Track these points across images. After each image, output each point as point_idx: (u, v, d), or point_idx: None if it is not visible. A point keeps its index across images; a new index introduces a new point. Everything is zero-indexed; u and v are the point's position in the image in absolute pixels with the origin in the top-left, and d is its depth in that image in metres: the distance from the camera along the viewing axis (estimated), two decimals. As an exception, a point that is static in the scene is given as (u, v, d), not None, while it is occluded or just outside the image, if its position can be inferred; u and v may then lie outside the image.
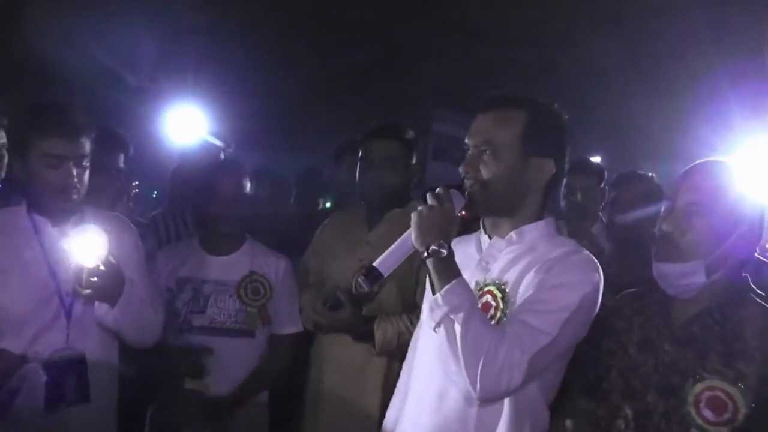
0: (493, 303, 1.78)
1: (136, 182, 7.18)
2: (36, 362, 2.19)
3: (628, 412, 1.79)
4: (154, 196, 8.73)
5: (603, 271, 1.79)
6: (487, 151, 1.81)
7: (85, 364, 2.27)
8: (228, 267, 2.84)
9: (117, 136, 3.03)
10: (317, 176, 4.53)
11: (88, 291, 2.15)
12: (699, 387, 1.66)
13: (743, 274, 1.80)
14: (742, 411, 1.62)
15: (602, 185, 3.54)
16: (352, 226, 2.88)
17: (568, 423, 2.03)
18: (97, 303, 2.24)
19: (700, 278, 1.72)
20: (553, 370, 1.80)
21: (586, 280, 1.74)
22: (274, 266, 2.88)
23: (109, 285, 2.19)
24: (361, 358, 2.69)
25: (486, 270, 1.86)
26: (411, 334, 2.34)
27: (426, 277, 1.82)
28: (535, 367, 1.65)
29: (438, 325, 1.68)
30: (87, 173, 2.29)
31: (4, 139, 2.71)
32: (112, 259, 2.17)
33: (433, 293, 1.71)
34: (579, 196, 3.51)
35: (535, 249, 1.82)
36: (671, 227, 1.74)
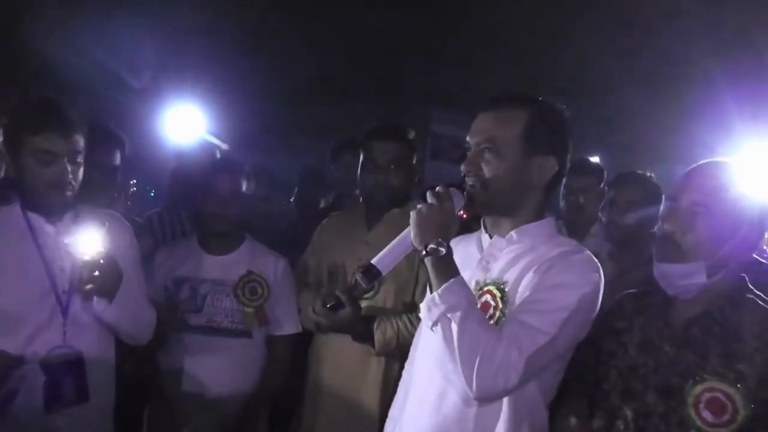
0: (493, 303, 1.78)
1: (134, 181, 7.18)
2: (34, 362, 2.18)
3: (628, 412, 1.79)
4: (152, 195, 8.71)
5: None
6: (489, 150, 1.80)
7: (83, 363, 2.26)
8: (226, 266, 2.83)
9: (113, 133, 3.02)
10: (319, 176, 4.52)
11: (89, 286, 2.15)
12: (699, 388, 1.66)
13: (741, 275, 1.80)
14: (742, 413, 1.61)
15: (602, 185, 3.53)
16: (351, 226, 2.88)
17: (573, 421, 2.01)
18: (95, 298, 2.23)
19: (701, 279, 1.71)
20: (552, 370, 1.80)
21: (585, 280, 1.74)
22: (272, 266, 2.87)
23: (108, 279, 2.19)
24: (359, 358, 2.68)
25: (486, 269, 1.85)
26: (410, 334, 2.34)
27: (426, 277, 1.81)
28: (532, 367, 1.64)
29: (435, 323, 1.68)
30: (81, 170, 2.29)
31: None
32: (110, 254, 2.17)
33: (431, 292, 1.71)
34: (578, 197, 3.51)
35: (535, 248, 1.82)
36: (673, 227, 1.74)
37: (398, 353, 2.52)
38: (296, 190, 4.61)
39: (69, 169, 2.22)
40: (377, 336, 2.58)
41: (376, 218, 2.79)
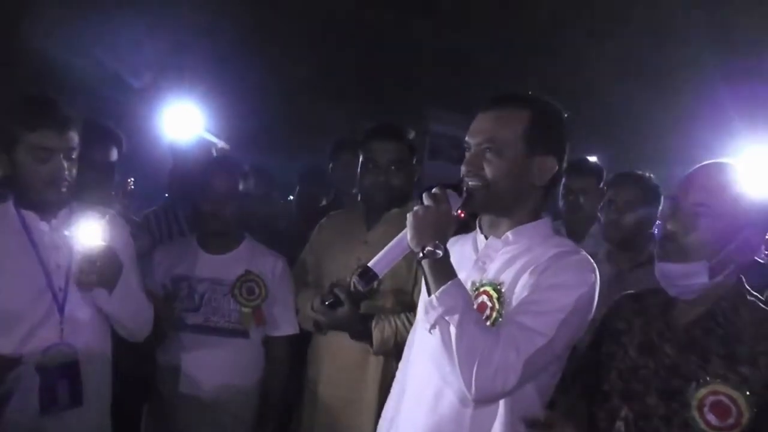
0: (489, 303, 1.77)
1: (132, 179, 7.16)
2: (31, 363, 2.17)
3: (628, 414, 1.78)
4: (149, 193, 8.70)
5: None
6: (491, 150, 1.80)
7: (77, 367, 2.26)
8: (224, 266, 2.82)
9: (109, 130, 3.02)
10: (320, 175, 4.50)
11: (90, 277, 2.15)
12: (703, 391, 1.65)
13: (740, 276, 1.79)
14: (746, 416, 1.60)
15: (601, 185, 3.51)
16: (350, 226, 2.86)
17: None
18: (95, 290, 2.23)
19: (703, 279, 1.71)
20: (549, 370, 1.79)
21: (582, 280, 1.73)
22: (271, 266, 2.86)
23: (108, 269, 2.19)
24: (358, 357, 2.68)
25: (482, 270, 1.85)
26: (408, 333, 2.32)
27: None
28: (531, 368, 1.64)
29: (433, 326, 1.67)
30: (75, 167, 2.28)
31: None
32: (110, 245, 2.18)
33: (429, 294, 1.70)
34: (577, 197, 3.49)
35: (531, 249, 1.81)
36: (676, 227, 1.73)
37: (396, 352, 2.51)
38: (297, 188, 4.59)
39: (65, 165, 2.22)
40: (375, 335, 2.57)
41: (375, 218, 2.79)
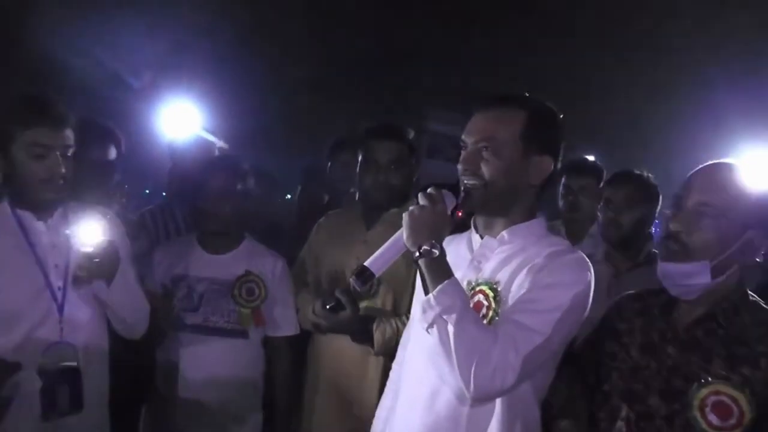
0: (485, 302, 1.79)
1: (126, 186, 7.12)
2: (30, 368, 2.16)
3: (629, 414, 1.79)
4: (147, 192, 8.66)
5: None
6: (488, 149, 1.81)
7: (78, 373, 2.25)
8: (224, 266, 2.81)
9: (107, 128, 3.00)
10: (323, 173, 4.48)
11: (91, 268, 2.17)
12: (704, 391, 1.65)
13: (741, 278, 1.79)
14: (748, 416, 1.61)
15: (601, 185, 3.50)
16: (349, 226, 2.86)
17: (564, 424, 2.01)
18: (95, 282, 2.25)
19: (705, 279, 1.71)
20: (545, 368, 1.80)
21: (578, 279, 1.75)
22: (270, 267, 2.85)
23: (107, 261, 2.20)
24: (358, 358, 2.68)
25: (478, 269, 1.86)
26: None
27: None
28: (529, 366, 1.65)
29: (431, 325, 1.68)
30: (71, 165, 2.27)
31: None
32: (108, 237, 2.19)
33: (426, 293, 1.71)
34: (577, 196, 3.48)
35: (527, 248, 1.83)
36: (680, 226, 1.73)
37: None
38: (299, 187, 4.58)
39: (61, 162, 2.21)
40: (377, 336, 2.57)
41: (374, 218, 2.78)
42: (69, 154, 2.25)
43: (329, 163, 4.03)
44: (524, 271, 1.76)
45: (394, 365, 2.14)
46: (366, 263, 1.76)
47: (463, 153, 1.87)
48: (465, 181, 1.83)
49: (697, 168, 1.79)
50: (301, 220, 3.14)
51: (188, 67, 6.77)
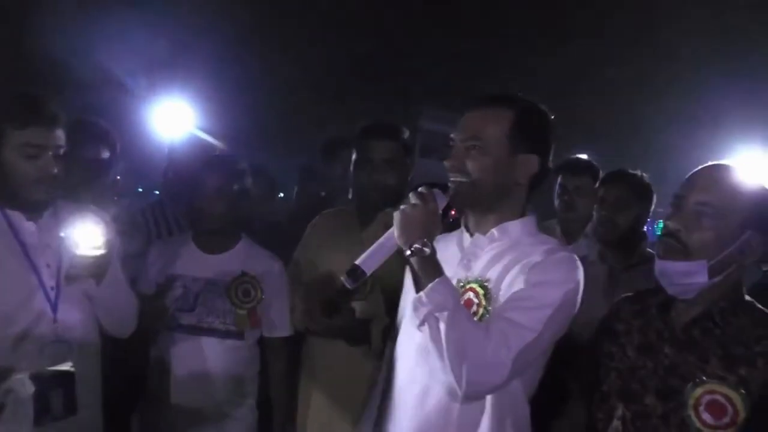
0: (476, 300, 1.80)
1: (119, 177, 7.10)
2: (24, 373, 2.14)
3: (626, 413, 1.79)
4: (140, 190, 8.64)
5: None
6: (475, 147, 1.84)
7: (72, 376, 2.24)
8: (220, 266, 2.79)
9: (101, 128, 2.99)
10: (320, 172, 4.46)
11: (84, 268, 2.16)
12: (699, 391, 1.67)
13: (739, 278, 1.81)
14: (742, 415, 1.62)
15: (597, 185, 3.49)
16: (344, 225, 2.85)
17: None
18: (86, 281, 2.24)
19: (702, 278, 1.72)
20: (534, 365, 1.82)
21: (568, 277, 1.77)
22: (267, 268, 2.83)
23: (100, 262, 2.19)
24: (353, 358, 2.66)
25: (468, 267, 1.88)
26: None
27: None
28: (520, 363, 1.67)
29: (422, 323, 1.69)
30: (63, 165, 2.25)
31: None
32: (102, 238, 2.18)
33: (417, 292, 1.72)
34: (572, 196, 3.48)
35: (517, 246, 1.85)
36: (679, 225, 1.74)
37: None
38: (297, 186, 4.56)
39: (53, 163, 2.20)
40: (375, 334, 2.56)
41: (369, 217, 2.77)
42: (61, 154, 2.23)
43: (325, 163, 4.02)
44: (515, 269, 1.78)
45: (383, 363, 2.15)
46: (357, 262, 1.78)
47: (452, 151, 1.89)
48: (452, 179, 1.86)
49: (698, 168, 1.80)
50: (299, 220, 3.12)
51: (182, 67, 6.76)
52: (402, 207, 1.76)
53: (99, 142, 2.95)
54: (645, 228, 3.24)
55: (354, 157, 2.80)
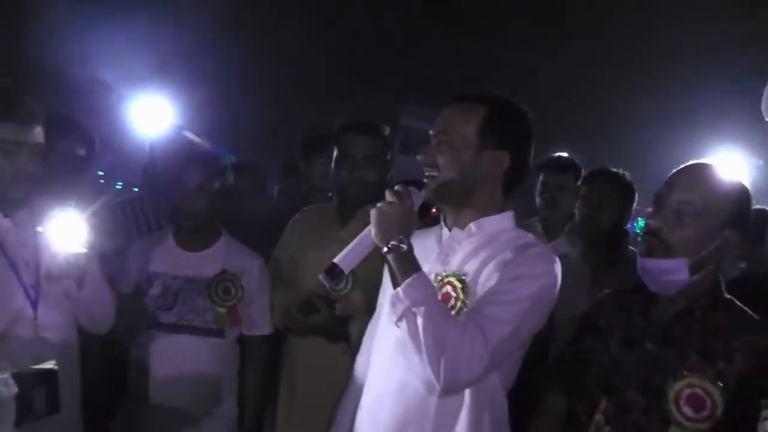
0: (453, 294, 1.82)
1: (101, 173, 7.03)
2: (7, 369, 2.11)
3: (608, 407, 1.82)
4: (119, 186, 8.56)
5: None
6: (446, 143, 1.87)
7: (55, 374, 2.20)
8: (200, 264, 2.77)
9: (79, 124, 2.96)
10: (301, 169, 4.44)
11: (66, 266, 2.14)
12: (679, 384, 1.69)
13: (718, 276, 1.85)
14: (720, 408, 1.65)
15: (578, 183, 3.51)
16: (324, 223, 2.84)
17: None
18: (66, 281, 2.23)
19: (683, 275, 1.75)
20: (512, 359, 1.84)
21: (545, 271, 1.79)
22: (248, 266, 2.82)
23: (83, 260, 2.18)
24: (334, 357, 2.65)
25: (446, 262, 1.90)
26: None
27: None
28: (497, 356, 1.69)
29: (400, 319, 1.71)
30: (41, 162, 2.22)
31: None
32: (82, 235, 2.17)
33: (394, 288, 1.74)
34: (554, 194, 3.50)
35: (494, 241, 1.87)
36: (661, 224, 1.78)
37: None
38: (278, 184, 4.53)
39: (30, 160, 2.16)
40: (353, 334, 2.56)
41: (349, 214, 2.76)
42: (39, 151, 2.20)
43: (306, 160, 4.00)
44: (492, 264, 1.80)
45: (360, 358, 2.16)
46: (335, 260, 1.79)
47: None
48: (426, 173, 1.88)
49: (679, 167, 1.84)
50: (280, 218, 3.10)
51: (161, 62, 6.70)
52: (378, 205, 1.78)
53: (76, 138, 2.93)
54: (627, 226, 3.27)
55: (335, 154, 2.79)
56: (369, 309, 2.62)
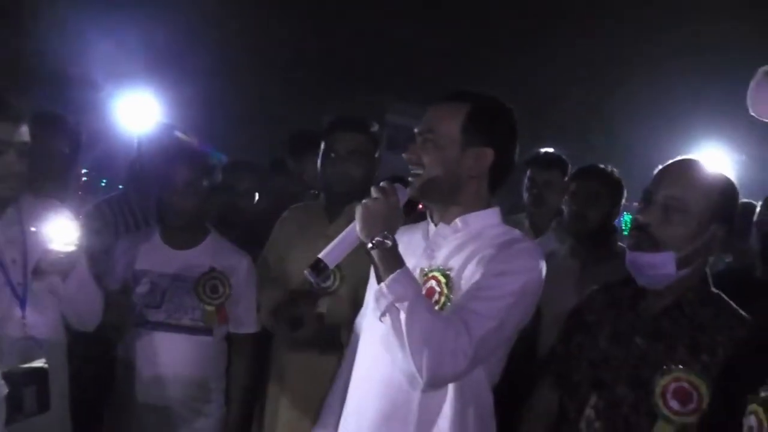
0: (438, 289, 1.83)
1: (85, 170, 6.99)
2: None
3: (598, 402, 1.83)
4: (104, 183, 8.51)
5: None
6: (430, 140, 1.88)
7: (46, 373, 2.20)
8: (188, 262, 2.76)
9: (62, 120, 2.93)
10: (289, 166, 4.42)
11: (55, 262, 2.14)
12: (666, 378, 1.71)
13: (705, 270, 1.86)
14: (706, 401, 1.67)
15: (566, 179, 3.53)
16: (311, 220, 2.84)
17: None
18: (53, 276, 2.22)
19: (670, 270, 1.76)
20: (498, 355, 1.85)
21: (529, 266, 1.80)
22: (236, 264, 2.81)
23: (72, 257, 2.18)
24: (320, 353, 2.64)
25: (431, 256, 1.91)
26: None
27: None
28: (481, 352, 1.70)
29: (384, 314, 1.72)
30: (27, 161, 2.21)
31: None
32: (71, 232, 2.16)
33: (378, 283, 1.75)
34: (541, 190, 3.51)
35: (480, 237, 1.88)
36: (649, 219, 1.79)
37: None
38: (268, 181, 4.50)
39: (17, 159, 2.15)
40: (345, 343, 2.55)
41: (336, 211, 2.76)
42: (25, 150, 2.19)
43: (294, 158, 3.99)
44: (476, 259, 1.81)
45: (347, 353, 2.17)
46: (320, 255, 1.80)
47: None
48: (411, 171, 1.90)
49: (667, 163, 1.86)
50: (271, 217, 3.09)
51: (147, 59, 6.67)
52: (364, 201, 1.79)
53: (62, 137, 2.91)
54: (616, 222, 3.30)
55: (321, 150, 2.79)
56: (356, 305, 2.63)
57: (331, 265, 1.80)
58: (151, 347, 2.70)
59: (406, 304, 1.68)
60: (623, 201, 3.17)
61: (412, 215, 2.05)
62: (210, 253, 2.80)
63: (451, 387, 1.78)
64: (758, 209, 2.82)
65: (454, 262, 1.84)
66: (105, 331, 2.56)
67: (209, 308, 2.72)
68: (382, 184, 1.82)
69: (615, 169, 3.18)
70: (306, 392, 2.64)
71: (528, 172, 3.54)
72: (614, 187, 3.13)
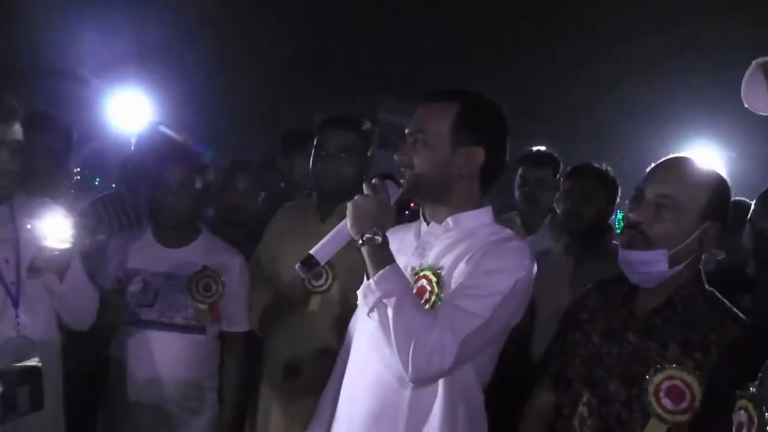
0: (428, 287, 1.83)
1: (78, 169, 6.96)
2: None
3: (591, 399, 1.84)
4: (96, 182, 8.47)
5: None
6: (421, 140, 1.88)
7: (39, 371, 2.19)
8: (180, 260, 2.76)
9: (55, 119, 2.92)
10: (281, 165, 4.41)
11: (49, 260, 2.14)
12: (659, 377, 1.71)
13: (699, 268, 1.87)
14: (698, 399, 1.67)
15: (557, 177, 3.54)
16: (304, 219, 2.84)
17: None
18: (47, 274, 2.21)
19: (663, 267, 1.77)
20: (488, 353, 1.85)
21: (519, 265, 1.80)
22: (229, 263, 2.81)
23: (66, 255, 2.17)
24: (314, 355, 2.65)
25: (422, 255, 1.91)
26: None
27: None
28: (467, 349, 1.69)
29: (371, 310, 1.73)
30: (20, 160, 2.19)
31: None
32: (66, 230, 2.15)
33: (368, 279, 1.76)
34: (533, 188, 3.51)
35: (471, 236, 1.88)
36: (640, 217, 1.79)
37: None
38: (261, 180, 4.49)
39: (9, 158, 2.14)
40: None
41: (329, 210, 2.76)
42: (18, 149, 2.18)
43: (285, 156, 3.99)
44: (467, 258, 1.81)
45: (342, 351, 2.16)
46: (311, 251, 1.81)
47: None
48: (402, 171, 1.90)
49: (658, 161, 1.86)
50: (264, 216, 3.09)
51: (140, 59, 6.65)
52: (355, 198, 1.80)
53: (55, 135, 2.90)
54: (610, 220, 3.31)
55: (313, 148, 2.79)
56: (347, 305, 2.63)
57: (322, 261, 1.81)
58: (144, 346, 2.70)
59: (393, 299, 1.69)
60: (618, 199, 3.18)
61: (404, 214, 2.05)
62: (203, 251, 2.80)
63: (440, 386, 1.78)
64: (752, 207, 2.83)
65: (445, 261, 1.84)
66: (99, 330, 2.55)
67: (202, 306, 2.72)
68: (373, 180, 1.83)
69: (609, 168, 3.19)
70: (298, 386, 2.64)
71: (520, 171, 3.54)
72: (609, 186, 3.14)
